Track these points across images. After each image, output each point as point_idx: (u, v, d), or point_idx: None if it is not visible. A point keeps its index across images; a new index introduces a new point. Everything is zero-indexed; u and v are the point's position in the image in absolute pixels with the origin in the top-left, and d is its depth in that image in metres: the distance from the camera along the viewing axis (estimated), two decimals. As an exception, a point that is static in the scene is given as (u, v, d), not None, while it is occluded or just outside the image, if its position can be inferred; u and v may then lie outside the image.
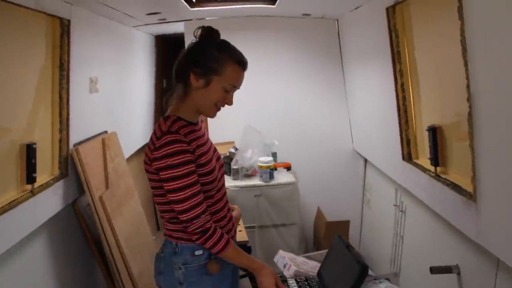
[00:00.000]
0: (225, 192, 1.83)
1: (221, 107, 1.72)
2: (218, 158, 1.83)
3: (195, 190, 1.58)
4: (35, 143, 2.07)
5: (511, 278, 1.66)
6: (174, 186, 1.57)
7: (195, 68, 1.63)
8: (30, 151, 2.03)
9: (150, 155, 1.63)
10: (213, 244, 1.61)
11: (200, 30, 1.67)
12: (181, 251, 1.69)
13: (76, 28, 2.39)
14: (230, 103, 1.71)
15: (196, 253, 1.68)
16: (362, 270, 1.63)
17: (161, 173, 1.59)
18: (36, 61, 2.18)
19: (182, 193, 1.57)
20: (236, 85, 1.68)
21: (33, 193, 2.06)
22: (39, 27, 2.18)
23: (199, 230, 1.60)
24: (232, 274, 1.83)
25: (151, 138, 1.67)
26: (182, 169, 1.56)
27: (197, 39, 1.68)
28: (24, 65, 2.06)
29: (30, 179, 2.05)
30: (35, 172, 2.07)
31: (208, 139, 1.80)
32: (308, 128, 3.89)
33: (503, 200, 1.57)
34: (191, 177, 1.58)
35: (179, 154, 1.56)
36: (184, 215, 1.59)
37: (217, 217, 1.73)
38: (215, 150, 1.83)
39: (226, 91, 1.66)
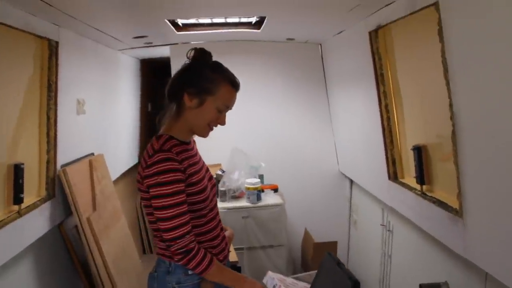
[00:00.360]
0: (217, 212, 1.83)
1: (214, 127, 1.74)
2: (210, 178, 1.83)
3: (181, 210, 1.58)
4: (23, 164, 2.05)
5: (499, 292, 1.69)
6: (161, 203, 1.57)
7: (189, 88, 1.66)
8: (18, 171, 2.02)
9: (142, 172, 1.64)
10: (196, 264, 1.61)
11: (193, 52, 1.71)
12: (174, 270, 1.68)
13: (64, 50, 2.40)
14: (222, 123, 1.73)
15: (190, 272, 1.67)
16: (354, 286, 1.64)
17: (150, 190, 1.59)
18: (24, 82, 2.18)
19: (168, 211, 1.57)
20: (229, 105, 1.71)
21: (20, 214, 2.03)
22: (27, 48, 2.18)
23: (182, 250, 1.59)
24: None
25: (143, 157, 1.68)
26: (170, 187, 1.56)
27: (190, 60, 1.71)
28: (12, 85, 2.05)
29: (18, 200, 2.02)
30: (22, 192, 2.04)
31: (200, 158, 1.81)
32: (294, 151, 3.93)
33: (488, 215, 1.61)
34: (178, 196, 1.58)
35: (169, 172, 1.57)
36: (168, 234, 1.58)
37: (210, 236, 1.74)
38: (208, 170, 1.84)
39: (219, 111, 1.69)
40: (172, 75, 1.76)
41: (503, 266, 1.55)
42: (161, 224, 1.59)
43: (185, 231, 1.59)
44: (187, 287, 1.68)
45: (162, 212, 1.57)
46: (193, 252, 1.60)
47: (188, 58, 1.72)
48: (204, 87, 1.66)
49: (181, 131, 1.71)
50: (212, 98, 1.66)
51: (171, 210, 1.57)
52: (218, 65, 1.72)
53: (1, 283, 1.91)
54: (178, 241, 1.58)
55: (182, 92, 1.67)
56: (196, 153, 1.80)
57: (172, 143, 1.65)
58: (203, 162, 1.83)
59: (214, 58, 1.75)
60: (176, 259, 1.61)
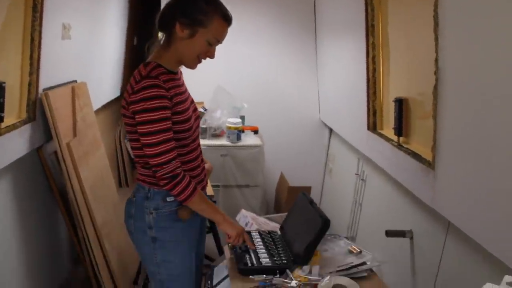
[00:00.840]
0: (199, 144, 1.86)
1: (203, 60, 1.74)
2: (195, 109, 1.86)
3: (167, 136, 1.61)
4: (4, 82, 2.02)
5: (458, 242, 1.79)
6: (148, 129, 1.59)
7: (182, 18, 1.64)
8: (-1, 90, 1.99)
9: (128, 98, 1.64)
10: (181, 190, 1.64)
11: None
12: (153, 196, 1.73)
13: (52, -30, 2.32)
14: (212, 56, 1.72)
15: (168, 199, 1.72)
16: (324, 223, 1.72)
17: (136, 116, 1.60)
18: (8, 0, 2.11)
19: (155, 137, 1.59)
20: (220, 39, 1.70)
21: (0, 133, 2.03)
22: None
23: (168, 175, 1.62)
24: (200, 222, 1.89)
25: (130, 83, 1.68)
26: (157, 113, 1.58)
27: None
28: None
29: (-3, 118, 2.01)
30: (3, 111, 2.03)
31: (186, 90, 1.82)
32: (277, 95, 3.95)
33: (459, 168, 1.68)
34: (165, 123, 1.60)
35: (156, 99, 1.58)
36: (155, 159, 1.61)
37: (191, 166, 1.76)
38: (193, 101, 1.86)
39: (209, 44, 1.68)
40: (166, 4, 1.72)
41: (465, 216, 1.65)
42: (147, 150, 1.61)
43: (171, 157, 1.62)
44: (164, 213, 1.73)
45: (149, 138, 1.59)
46: (179, 178, 1.63)
47: None
48: (197, 19, 1.64)
49: (170, 60, 1.71)
50: (204, 30, 1.65)
51: (158, 136, 1.59)
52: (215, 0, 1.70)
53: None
54: (164, 167, 1.61)
55: (174, 22, 1.65)
56: (183, 84, 1.81)
57: (160, 71, 1.65)
58: (189, 94, 1.84)
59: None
60: (161, 184, 1.64)
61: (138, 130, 1.61)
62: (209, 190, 2.74)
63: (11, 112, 2.23)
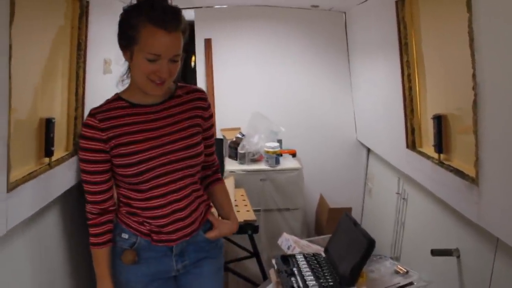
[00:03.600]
0: (175, 189, 1.60)
1: (160, 80, 1.48)
2: (187, 147, 1.59)
3: (86, 178, 1.59)
4: (54, 118, 2.14)
5: (509, 258, 1.74)
6: (80, 166, 1.61)
7: (119, 41, 1.51)
8: (49, 125, 2.09)
9: None
10: (90, 235, 1.64)
11: None
12: (115, 226, 1.68)
13: (93, 10, 2.45)
14: (162, 74, 1.45)
15: (122, 235, 1.65)
16: (369, 244, 1.71)
17: None
18: (56, 40, 2.24)
19: (82, 175, 1.61)
20: (156, 52, 1.41)
21: (50, 166, 2.12)
22: (58, 7, 2.23)
23: (87, 214, 1.65)
24: (153, 274, 1.67)
25: None
26: (81, 153, 1.57)
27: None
28: (44, 43, 2.11)
29: (48, 153, 2.11)
30: (53, 146, 2.13)
31: (171, 124, 1.59)
32: (313, 117, 3.97)
33: (503, 183, 1.65)
34: (85, 165, 1.58)
35: (83, 139, 1.56)
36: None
37: (153, 214, 1.60)
38: (184, 138, 1.60)
39: (150, 61, 1.43)
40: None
41: (514, 232, 1.61)
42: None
43: (88, 199, 1.61)
44: (115, 246, 1.66)
45: (82, 173, 1.61)
46: (89, 222, 1.63)
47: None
48: (128, 37, 1.44)
49: (134, 90, 1.57)
50: (137, 47, 1.43)
51: (83, 175, 1.60)
52: (144, 4, 1.44)
53: (30, 231, 2.00)
54: (86, 204, 1.62)
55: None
56: (157, 119, 1.58)
57: (112, 105, 1.58)
58: (179, 128, 1.61)
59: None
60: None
61: None
62: (251, 215, 2.77)
63: (59, 145, 2.34)
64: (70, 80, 2.39)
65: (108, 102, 1.57)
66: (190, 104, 1.64)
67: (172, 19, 1.40)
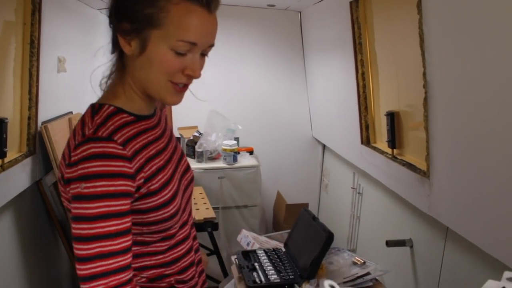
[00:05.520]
0: (192, 225, 1.22)
1: (188, 81, 1.05)
2: (187, 168, 1.21)
3: (107, 249, 0.92)
4: (6, 118, 2.07)
5: (457, 246, 1.85)
6: (79, 231, 0.93)
7: (122, 23, 1.00)
8: (1, 126, 2.03)
9: (63, 169, 1.00)
10: None
11: None
12: None
13: (46, 7, 2.39)
14: (195, 72, 1.02)
15: None
16: (328, 237, 1.77)
17: (71, 204, 0.96)
18: (5, 37, 2.17)
19: (88, 245, 0.92)
20: (195, 39, 0.98)
21: (3, 168, 2.06)
22: (8, 3, 2.16)
23: None
24: None
25: (68, 142, 1.02)
26: (101, 204, 0.92)
27: None
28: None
29: (1, 154, 2.05)
30: (5, 147, 2.07)
31: (170, 137, 1.19)
32: (270, 115, 4.02)
33: (453, 175, 1.75)
34: (110, 223, 0.93)
35: (102, 179, 0.92)
36: (83, 284, 0.92)
37: (179, 267, 1.14)
38: (182, 153, 1.22)
39: (178, 53, 0.98)
40: None
41: (462, 221, 1.71)
42: (76, 264, 0.93)
43: (118, 265, 0.93)
44: None
45: (80, 244, 0.92)
46: None
47: None
48: (143, 16, 0.96)
49: (132, 97, 1.06)
50: (159, 33, 0.97)
51: (91, 245, 0.92)
52: None
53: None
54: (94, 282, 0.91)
55: (115, 35, 1.03)
56: (164, 131, 1.16)
57: (118, 122, 1.01)
58: (175, 143, 1.21)
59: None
60: None
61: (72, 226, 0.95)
62: (211, 212, 2.79)
63: (12, 146, 2.26)
64: (22, 79, 2.32)
65: (106, 117, 1.00)
66: (162, 112, 1.24)
67: None
